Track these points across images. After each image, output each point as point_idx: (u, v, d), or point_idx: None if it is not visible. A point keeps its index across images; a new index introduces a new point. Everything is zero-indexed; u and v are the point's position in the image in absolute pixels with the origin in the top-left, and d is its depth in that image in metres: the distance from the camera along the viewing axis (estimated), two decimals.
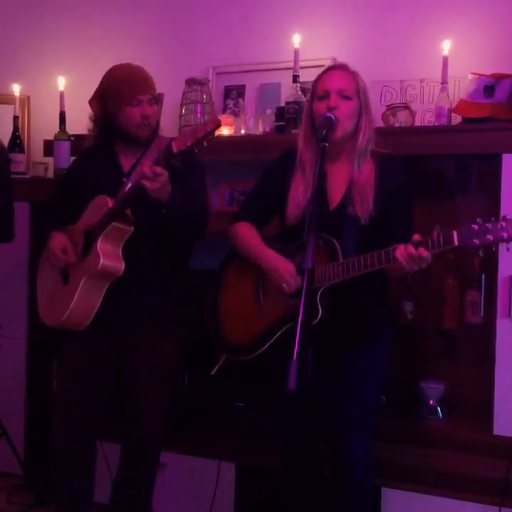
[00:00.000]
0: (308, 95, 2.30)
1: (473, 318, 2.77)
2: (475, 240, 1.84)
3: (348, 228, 2.15)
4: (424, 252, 1.92)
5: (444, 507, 2.55)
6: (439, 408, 2.76)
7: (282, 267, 2.18)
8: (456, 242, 1.87)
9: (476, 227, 1.84)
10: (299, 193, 2.24)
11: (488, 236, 1.82)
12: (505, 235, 1.81)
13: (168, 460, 2.82)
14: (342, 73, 2.23)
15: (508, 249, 1.84)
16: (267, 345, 2.22)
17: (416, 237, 1.96)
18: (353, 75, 2.23)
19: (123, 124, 2.39)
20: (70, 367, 2.47)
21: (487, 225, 1.83)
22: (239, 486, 2.82)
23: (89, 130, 2.52)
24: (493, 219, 1.84)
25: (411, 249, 1.93)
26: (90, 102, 2.47)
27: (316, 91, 2.23)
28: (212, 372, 2.39)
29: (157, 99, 2.43)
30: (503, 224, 1.82)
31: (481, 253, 1.86)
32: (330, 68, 2.28)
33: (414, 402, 2.79)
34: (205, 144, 2.10)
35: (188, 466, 2.89)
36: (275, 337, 2.21)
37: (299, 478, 2.38)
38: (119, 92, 2.36)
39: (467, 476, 2.54)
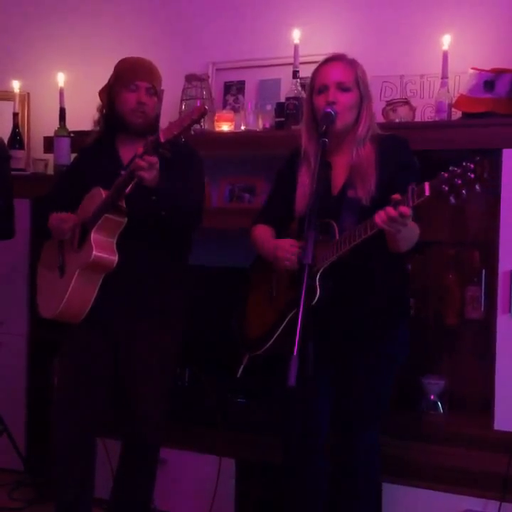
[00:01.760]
0: (308, 89, 2.28)
1: (474, 313, 2.77)
2: (444, 187, 1.80)
3: (347, 210, 2.15)
4: (404, 210, 1.88)
5: (445, 502, 2.55)
6: (439, 403, 2.76)
7: (281, 243, 2.20)
8: (427, 192, 1.83)
9: (446, 174, 1.81)
10: (305, 185, 2.24)
11: (456, 180, 1.78)
12: (472, 175, 1.76)
13: (168, 456, 2.83)
14: (340, 64, 2.20)
15: (479, 190, 1.77)
16: (273, 339, 2.23)
17: (396, 196, 1.92)
18: (352, 65, 2.20)
19: (120, 110, 2.41)
20: (69, 363, 2.47)
21: (456, 169, 1.79)
22: (239, 482, 2.83)
23: (94, 121, 2.53)
24: (464, 164, 1.79)
25: (390, 210, 1.90)
26: (100, 93, 2.50)
27: (314, 85, 2.22)
28: (238, 375, 2.37)
29: (157, 92, 2.44)
30: (471, 166, 1.77)
31: (452, 199, 1.80)
32: (328, 60, 2.23)
33: (415, 397, 2.79)
34: (193, 132, 2.10)
35: (189, 461, 2.89)
36: (280, 329, 2.22)
37: (300, 474, 2.38)
38: (120, 77, 2.42)
39: (468, 471, 2.54)
